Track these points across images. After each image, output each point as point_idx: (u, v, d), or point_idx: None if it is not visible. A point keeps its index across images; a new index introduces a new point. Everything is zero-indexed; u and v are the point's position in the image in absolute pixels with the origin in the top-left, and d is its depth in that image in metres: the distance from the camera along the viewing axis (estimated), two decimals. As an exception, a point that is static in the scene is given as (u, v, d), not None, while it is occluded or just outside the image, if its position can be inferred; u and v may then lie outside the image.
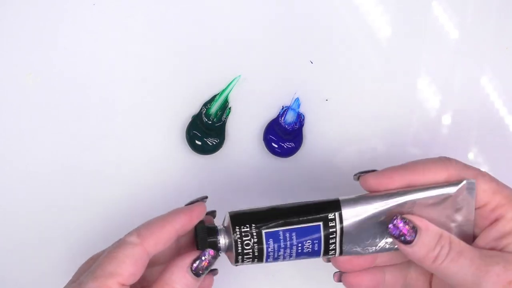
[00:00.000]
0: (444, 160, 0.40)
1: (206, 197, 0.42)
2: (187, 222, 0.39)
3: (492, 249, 0.38)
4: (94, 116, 0.51)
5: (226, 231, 0.40)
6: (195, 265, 0.38)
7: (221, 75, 0.51)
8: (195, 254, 0.39)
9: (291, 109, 0.51)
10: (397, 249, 0.39)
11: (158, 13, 0.51)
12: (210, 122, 0.50)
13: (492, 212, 0.38)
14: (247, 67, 0.51)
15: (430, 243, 0.37)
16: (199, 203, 0.40)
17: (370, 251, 0.40)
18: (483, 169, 0.53)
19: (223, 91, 0.51)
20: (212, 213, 0.43)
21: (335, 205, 0.39)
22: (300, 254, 0.39)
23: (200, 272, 0.38)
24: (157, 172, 0.51)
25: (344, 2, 0.52)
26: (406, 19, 0.53)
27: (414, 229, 0.38)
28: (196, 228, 0.40)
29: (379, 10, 0.53)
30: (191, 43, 0.51)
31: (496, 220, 0.38)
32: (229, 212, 0.40)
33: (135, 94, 0.51)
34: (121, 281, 0.37)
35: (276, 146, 0.51)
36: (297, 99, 0.51)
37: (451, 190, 0.39)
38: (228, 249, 0.40)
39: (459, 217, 0.39)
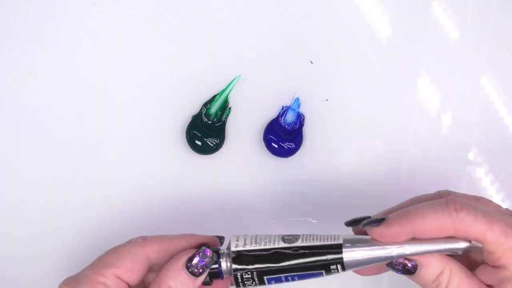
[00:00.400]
0: (446, 207, 0.37)
1: (223, 238, 0.43)
2: (195, 244, 0.40)
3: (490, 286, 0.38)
4: (94, 116, 0.51)
5: (229, 255, 0.40)
6: (190, 263, 0.38)
7: (221, 75, 0.51)
8: (190, 252, 0.39)
9: (291, 109, 0.51)
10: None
11: (158, 13, 0.51)
12: (210, 122, 0.50)
13: (497, 260, 0.37)
14: (247, 67, 0.51)
15: (430, 276, 0.38)
16: (211, 236, 0.42)
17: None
18: (483, 169, 0.53)
19: (223, 91, 0.51)
20: (220, 239, 0.43)
21: (337, 251, 0.39)
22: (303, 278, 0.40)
23: (196, 271, 0.38)
24: (157, 172, 0.51)
25: (344, 2, 0.52)
26: (406, 19, 0.53)
27: (415, 268, 0.38)
28: (198, 248, 0.40)
29: (379, 10, 0.53)
30: (192, 43, 0.51)
31: (501, 267, 0.37)
32: (232, 249, 0.40)
33: (135, 94, 0.51)
34: (117, 273, 0.38)
35: (276, 146, 0.51)
36: (297, 99, 0.51)
37: (456, 248, 0.38)
38: (231, 273, 0.40)
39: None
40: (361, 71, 0.52)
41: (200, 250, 0.39)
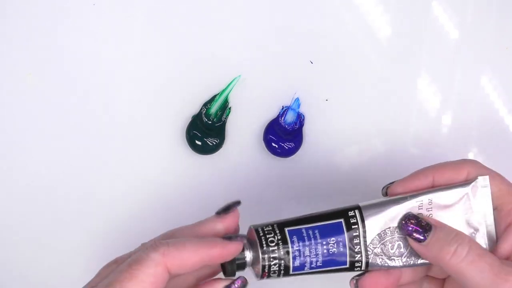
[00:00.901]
0: (464, 160, 0.40)
1: (239, 202, 0.40)
2: (219, 258, 0.37)
3: (509, 259, 0.37)
4: (94, 116, 0.51)
5: (250, 243, 0.39)
6: None
7: (221, 75, 0.51)
8: (225, 282, 0.37)
9: (291, 109, 0.51)
10: (423, 264, 0.39)
11: (158, 13, 0.51)
12: (210, 122, 0.50)
13: (507, 215, 0.38)
14: (247, 67, 0.51)
15: (445, 238, 0.37)
16: (237, 242, 0.38)
17: (396, 263, 0.39)
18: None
19: (223, 91, 0.51)
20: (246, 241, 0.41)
21: (355, 207, 0.39)
22: (327, 260, 0.38)
23: None
24: (157, 172, 0.51)
25: (344, 2, 0.52)
26: (406, 19, 0.53)
27: (428, 226, 0.38)
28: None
29: (379, 10, 0.53)
30: (191, 43, 0.51)
31: (510, 225, 0.38)
32: (251, 225, 0.40)
33: (135, 94, 0.51)
34: None
35: (276, 146, 0.51)
36: (297, 99, 0.51)
37: (466, 188, 0.39)
38: (254, 263, 0.38)
39: (479, 221, 0.39)
40: (361, 71, 0.52)
41: (236, 281, 0.37)
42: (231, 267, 0.38)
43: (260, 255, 0.38)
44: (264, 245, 0.38)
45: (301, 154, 0.52)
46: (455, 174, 0.39)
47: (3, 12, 0.51)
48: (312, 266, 0.38)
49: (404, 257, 0.39)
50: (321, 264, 0.39)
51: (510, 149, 0.53)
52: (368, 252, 0.39)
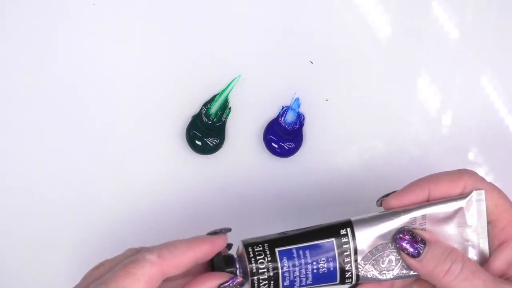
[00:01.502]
0: (461, 172, 0.39)
1: (230, 230, 0.41)
2: (209, 252, 0.38)
3: (502, 276, 0.37)
4: (94, 116, 0.51)
5: (240, 259, 0.39)
6: None
7: (221, 75, 0.51)
8: (222, 277, 0.38)
9: (291, 109, 0.51)
10: (414, 275, 0.39)
11: (158, 13, 0.51)
12: (210, 122, 0.50)
13: (502, 231, 0.37)
14: (247, 67, 0.51)
15: (440, 256, 0.37)
16: (223, 235, 0.39)
17: (387, 276, 0.39)
18: (483, 169, 0.53)
19: (223, 91, 0.51)
20: (228, 246, 0.42)
21: (346, 224, 0.39)
22: (317, 277, 0.38)
23: None
24: (157, 172, 0.51)
25: (344, 2, 0.52)
26: (406, 19, 0.53)
27: (423, 242, 0.37)
28: (213, 257, 0.39)
29: (379, 10, 0.53)
30: (191, 43, 0.51)
31: (504, 242, 0.37)
32: (242, 240, 0.40)
33: (135, 94, 0.51)
34: None
35: (276, 146, 0.51)
36: (297, 99, 0.51)
37: (461, 202, 0.38)
38: (243, 278, 0.39)
39: (472, 235, 0.39)
40: (361, 71, 0.52)
41: (233, 279, 0.38)
42: (218, 263, 0.39)
43: (250, 276, 0.38)
44: (254, 266, 0.38)
45: (301, 154, 0.52)
46: (451, 187, 0.38)
47: (3, 12, 0.50)
48: (302, 284, 0.39)
49: (396, 270, 0.39)
50: (311, 282, 0.39)
51: (510, 149, 0.53)
52: (359, 269, 0.39)
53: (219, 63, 0.51)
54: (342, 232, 0.38)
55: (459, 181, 0.38)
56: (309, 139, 0.52)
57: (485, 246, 0.39)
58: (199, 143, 0.50)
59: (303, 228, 0.40)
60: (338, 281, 0.39)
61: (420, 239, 0.37)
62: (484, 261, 0.39)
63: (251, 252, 0.38)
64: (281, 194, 0.52)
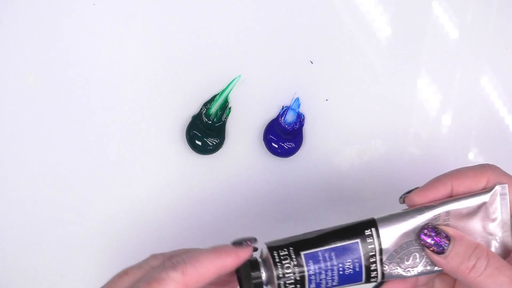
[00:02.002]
0: (483, 167, 0.39)
1: (255, 240, 0.40)
2: (233, 265, 0.38)
3: None
4: (94, 116, 0.51)
5: (265, 263, 0.38)
6: None
7: (221, 75, 0.51)
8: None
9: (291, 109, 0.51)
10: (438, 271, 0.39)
11: (158, 13, 0.51)
12: (210, 122, 0.50)
13: None
14: (247, 67, 0.51)
15: (465, 252, 0.37)
16: (248, 248, 0.39)
17: (412, 273, 0.39)
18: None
19: (223, 91, 0.51)
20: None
21: (371, 223, 0.39)
22: (343, 278, 0.38)
23: None
24: (157, 172, 0.51)
25: (344, 2, 0.52)
26: (406, 19, 0.53)
27: (447, 238, 0.37)
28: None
29: (379, 10, 0.53)
30: (191, 43, 0.51)
31: None
32: (265, 242, 0.39)
33: (135, 94, 0.51)
34: None
35: (276, 146, 0.51)
36: (297, 99, 0.51)
37: (484, 197, 0.38)
38: (268, 283, 0.38)
39: (496, 229, 0.39)
40: (361, 71, 0.52)
41: None
42: (245, 271, 0.38)
43: (276, 281, 0.38)
44: (280, 272, 0.38)
45: (301, 154, 0.52)
46: (475, 182, 0.38)
47: (3, 12, 0.50)
48: (327, 285, 0.39)
49: (420, 267, 0.39)
50: (336, 283, 0.39)
51: (510, 149, 0.53)
52: (384, 268, 0.39)
53: (219, 63, 0.51)
54: (367, 232, 0.38)
55: (482, 176, 0.38)
56: (309, 139, 0.52)
57: (509, 240, 0.39)
58: (199, 143, 0.50)
59: (326, 228, 0.39)
60: (363, 281, 0.39)
61: (444, 235, 0.37)
62: (507, 254, 0.39)
63: (276, 257, 0.38)
64: (281, 194, 0.52)
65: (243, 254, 0.38)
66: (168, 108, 0.51)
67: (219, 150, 0.51)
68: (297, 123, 0.51)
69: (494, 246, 0.39)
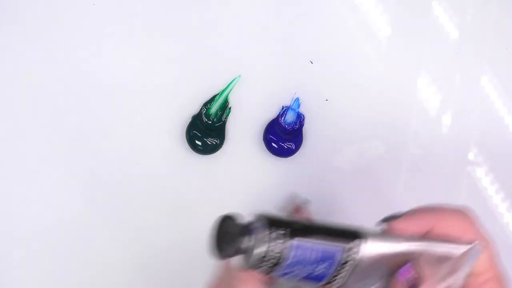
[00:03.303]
0: (466, 216, 0.40)
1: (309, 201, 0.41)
2: None
3: None
4: (94, 116, 0.51)
5: (256, 233, 0.37)
6: None
7: (221, 75, 0.51)
8: None
9: (291, 109, 0.51)
10: None
11: (158, 14, 0.51)
12: (210, 122, 0.50)
13: (481, 286, 0.39)
14: (247, 67, 0.51)
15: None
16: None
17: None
18: (483, 169, 0.53)
19: (223, 91, 0.51)
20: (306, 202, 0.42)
21: (361, 235, 0.39)
22: (310, 277, 0.39)
23: None
24: (157, 172, 0.51)
25: (344, 2, 0.52)
26: (406, 19, 0.53)
27: (418, 281, 0.39)
28: (224, 219, 0.37)
29: (379, 10, 0.53)
30: (191, 44, 0.52)
31: None
32: (264, 213, 0.38)
33: (135, 94, 0.51)
34: None
35: (276, 146, 0.51)
36: (297, 99, 0.52)
37: (462, 249, 0.39)
38: (246, 251, 0.37)
39: (451, 278, 0.40)
40: (361, 71, 0.52)
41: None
42: (233, 229, 0.37)
43: (258, 255, 0.37)
44: (270, 248, 0.37)
45: (301, 154, 0.52)
46: (455, 229, 0.40)
47: (3, 13, 0.51)
48: (292, 276, 0.39)
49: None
50: (300, 278, 0.39)
51: (510, 149, 0.53)
52: (347, 280, 0.39)
53: (219, 64, 0.51)
54: (356, 242, 0.39)
55: (463, 226, 0.40)
56: (309, 139, 0.52)
57: None
58: (199, 143, 0.50)
59: (322, 222, 0.39)
60: (323, 282, 0.39)
61: (417, 276, 0.39)
62: None
63: (274, 234, 0.37)
64: (281, 194, 0.52)
65: None
66: (168, 108, 0.51)
67: (219, 150, 0.51)
68: (297, 123, 0.51)
69: None
